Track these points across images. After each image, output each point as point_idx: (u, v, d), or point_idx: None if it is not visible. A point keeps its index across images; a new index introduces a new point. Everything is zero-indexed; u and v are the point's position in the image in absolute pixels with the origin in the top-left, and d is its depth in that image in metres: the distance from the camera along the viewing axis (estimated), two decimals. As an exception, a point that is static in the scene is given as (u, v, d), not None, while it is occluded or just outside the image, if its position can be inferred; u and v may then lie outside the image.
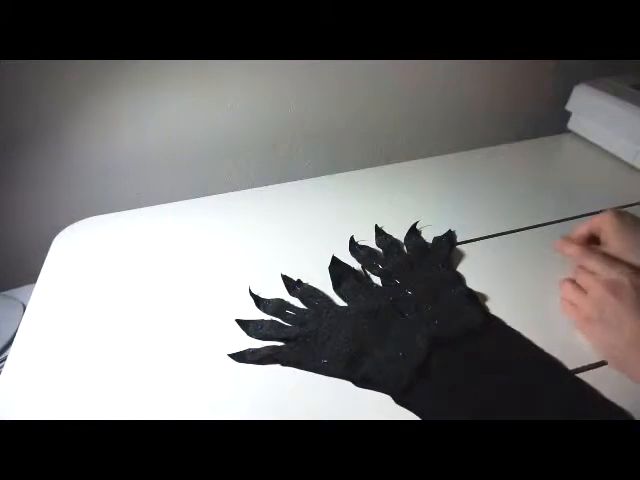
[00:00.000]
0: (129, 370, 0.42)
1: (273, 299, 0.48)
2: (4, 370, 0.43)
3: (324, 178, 0.69)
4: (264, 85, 0.73)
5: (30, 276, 0.56)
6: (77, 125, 0.69)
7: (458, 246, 0.54)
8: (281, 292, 0.49)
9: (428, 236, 0.55)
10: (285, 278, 0.50)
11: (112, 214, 0.64)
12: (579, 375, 0.38)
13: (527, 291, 0.47)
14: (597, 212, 0.57)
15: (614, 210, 0.44)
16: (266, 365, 0.42)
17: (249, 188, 0.67)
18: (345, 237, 0.56)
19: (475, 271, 0.50)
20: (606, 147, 0.70)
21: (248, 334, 0.44)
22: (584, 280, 0.41)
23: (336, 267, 0.51)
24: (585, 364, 0.39)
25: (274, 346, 0.43)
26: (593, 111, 0.71)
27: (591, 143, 0.72)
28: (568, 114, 0.75)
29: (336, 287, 0.49)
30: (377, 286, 0.49)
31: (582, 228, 0.47)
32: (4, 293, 0.72)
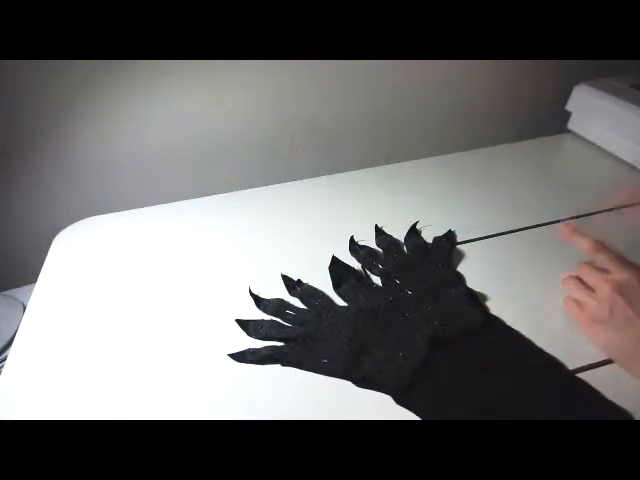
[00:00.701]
0: (129, 370, 0.42)
1: (273, 299, 0.48)
2: (4, 370, 0.43)
3: (324, 178, 0.69)
4: (264, 85, 0.73)
5: (30, 276, 0.56)
6: (77, 125, 0.69)
7: (458, 246, 0.54)
8: (281, 292, 0.49)
9: (428, 236, 0.55)
10: (285, 278, 0.50)
11: (112, 214, 0.64)
12: (579, 375, 0.38)
13: (527, 291, 0.47)
14: (597, 212, 0.58)
15: None
16: (266, 365, 0.42)
17: (249, 188, 0.67)
18: (345, 237, 0.56)
19: (475, 271, 0.50)
20: (606, 147, 0.70)
21: (248, 334, 0.44)
22: (591, 278, 0.40)
23: (336, 267, 0.51)
24: (585, 364, 0.39)
25: (274, 346, 0.43)
26: (593, 111, 0.71)
27: (591, 143, 0.72)
28: (568, 114, 0.75)
29: (336, 287, 0.49)
30: (377, 286, 0.49)
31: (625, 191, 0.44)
32: (4, 293, 0.72)
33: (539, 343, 0.41)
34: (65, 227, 0.62)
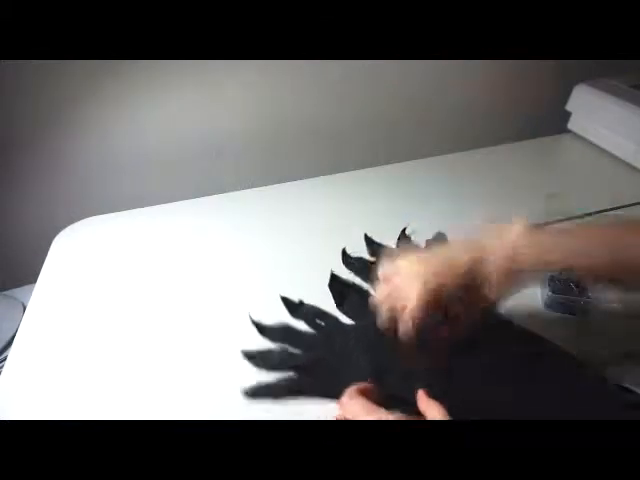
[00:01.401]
0: (128, 370, 0.42)
1: (277, 325, 0.45)
2: (4, 370, 0.43)
3: (324, 178, 0.69)
4: (264, 85, 0.73)
5: (30, 276, 0.56)
6: (77, 125, 0.69)
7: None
8: (281, 291, 0.49)
9: (420, 238, 0.55)
10: (286, 300, 0.48)
11: (112, 214, 0.64)
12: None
13: (527, 290, 0.47)
14: (597, 212, 0.58)
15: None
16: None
17: (249, 188, 0.67)
18: (345, 237, 0.56)
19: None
20: (606, 147, 0.70)
21: (256, 366, 0.41)
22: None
23: (336, 284, 0.49)
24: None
25: (288, 378, 0.40)
26: (593, 111, 0.71)
27: (591, 143, 0.72)
28: (568, 114, 0.75)
29: (339, 305, 0.47)
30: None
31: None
32: (4, 293, 0.72)
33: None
34: (65, 227, 0.62)
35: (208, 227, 0.60)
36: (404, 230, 0.56)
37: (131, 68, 0.65)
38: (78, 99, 0.67)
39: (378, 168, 0.71)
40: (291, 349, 0.43)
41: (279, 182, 0.68)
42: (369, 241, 0.55)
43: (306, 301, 0.48)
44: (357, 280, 0.50)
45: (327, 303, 0.47)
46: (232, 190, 0.67)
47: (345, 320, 0.46)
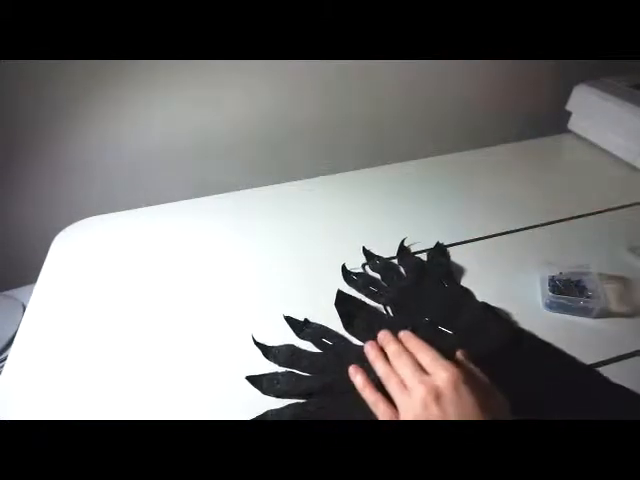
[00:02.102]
0: (128, 370, 0.42)
1: (282, 346, 0.43)
2: (4, 370, 0.43)
3: (324, 178, 0.69)
4: (264, 85, 0.73)
5: (30, 276, 0.56)
6: (77, 125, 0.69)
7: (458, 246, 0.54)
8: (280, 291, 0.49)
9: (416, 247, 0.54)
10: (290, 320, 0.45)
11: (112, 214, 0.64)
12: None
13: (528, 291, 0.47)
14: (597, 212, 0.58)
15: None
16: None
17: (249, 188, 0.67)
18: (345, 237, 0.56)
19: (475, 271, 0.50)
20: (606, 147, 0.70)
21: (263, 392, 0.39)
22: (407, 375, 0.34)
23: (343, 303, 0.46)
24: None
25: (296, 404, 0.38)
26: (593, 111, 0.71)
27: (591, 143, 0.73)
28: (568, 114, 0.75)
29: (348, 326, 0.44)
30: (390, 317, 0.45)
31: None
32: (4, 293, 0.72)
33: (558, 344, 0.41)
34: (65, 227, 0.62)
35: (208, 227, 0.60)
36: (402, 243, 0.54)
37: (131, 68, 0.65)
38: (78, 99, 0.67)
39: (377, 168, 0.71)
40: (299, 373, 0.40)
41: (279, 182, 0.68)
42: (368, 255, 0.53)
43: (306, 300, 0.48)
44: (362, 297, 0.48)
45: (327, 302, 0.47)
46: (232, 190, 0.67)
47: (354, 339, 0.43)
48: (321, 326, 0.44)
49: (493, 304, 0.45)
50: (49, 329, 0.47)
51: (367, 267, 0.52)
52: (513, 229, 0.56)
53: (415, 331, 0.40)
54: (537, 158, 0.73)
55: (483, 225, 0.57)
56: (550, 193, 0.63)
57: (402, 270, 0.51)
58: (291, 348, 0.42)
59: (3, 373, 0.43)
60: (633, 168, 0.66)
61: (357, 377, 0.37)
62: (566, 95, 0.75)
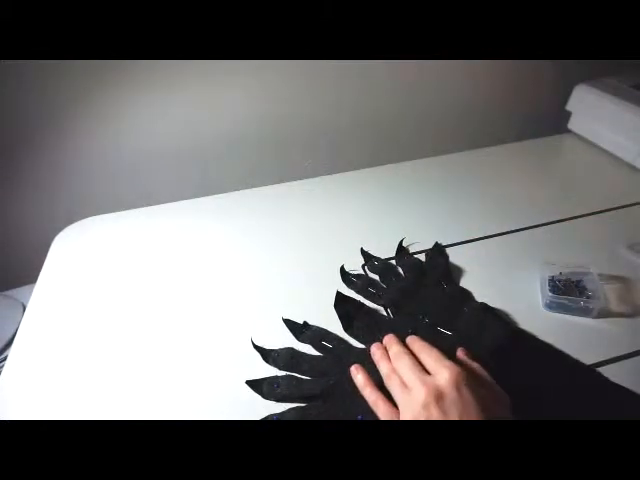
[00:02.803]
0: (128, 370, 0.42)
1: (282, 350, 0.42)
2: (4, 370, 0.43)
3: (324, 178, 0.69)
4: (264, 85, 0.73)
5: (30, 276, 0.56)
6: (77, 125, 0.69)
7: (458, 246, 0.54)
8: (280, 292, 0.49)
9: (415, 247, 0.54)
10: (289, 322, 0.45)
11: (112, 214, 0.64)
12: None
13: (527, 291, 0.47)
14: (597, 212, 0.58)
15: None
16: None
17: (249, 188, 0.67)
18: (344, 237, 0.56)
19: (475, 271, 0.50)
20: (606, 147, 0.70)
21: (264, 397, 0.38)
22: (408, 376, 0.34)
23: (343, 305, 0.46)
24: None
25: (298, 407, 0.37)
26: (593, 111, 0.71)
27: (591, 143, 0.73)
28: (568, 114, 0.75)
29: (347, 328, 0.44)
30: (390, 318, 0.45)
31: None
32: (4, 293, 0.72)
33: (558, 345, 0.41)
34: (65, 227, 0.62)
35: (208, 227, 0.60)
36: (401, 243, 0.54)
37: (131, 68, 0.65)
38: (78, 99, 0.67)
39: (377, 168, 0.71)
40: (300, 376, 0.40)
41: (279, 182, 0.68)
42: (366, 255, 0.53)
43: (306, 300, 0.48)
44: (362, 299, 0.48)
45: (327, 302, 0.47)
46: (232, 190, 0.67)
47: (354, 341, 0.43)
48: (320, 329, 0.44)
49: (493, 304, 0.45)
50: (49, 329, 0.47)
51: (366, 268, 0.52)
52: (513, 229, 0.56)
53: (415, 333, 0.40)
54: (537, 158, 0.73)
55: (483, 225, 0.57)
56: (550, 193, 0.63)
57: (400, 271, 0.51)
58: (290, 351, 0.42)
59: (3, 373, 0.43)
60: (633, 168, 0.66)
61: (358, 376, 0.37)
62: (566, 95, 0.75)
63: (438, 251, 0.53)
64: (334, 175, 0.70)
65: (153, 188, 0.78)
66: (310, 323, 0.45)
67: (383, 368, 0.36)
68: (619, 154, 0.68)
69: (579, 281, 0.46)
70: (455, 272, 0.50)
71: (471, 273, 0.50)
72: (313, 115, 0.79)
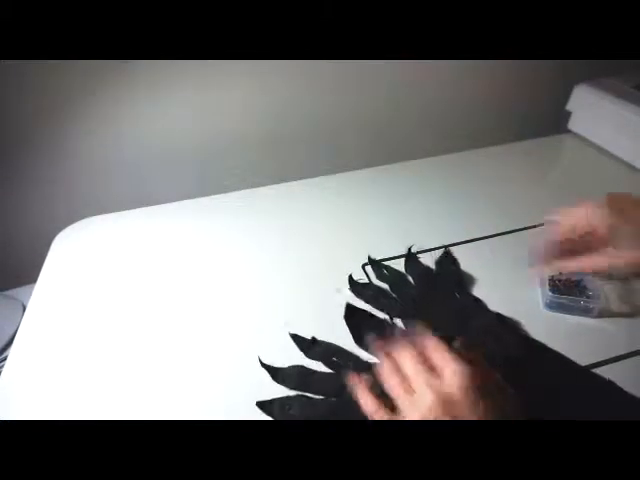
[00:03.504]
0: (128, 370, 0.42)
1: (291, 368, 0.41)
2: (4, 370, 0.43)
3: (324, 178, 0.69)
4: (264, 85, 0.73)
5: (30, 276, 0.56)
6: (77, 125, 0.69)
7: (458, 246, 0.54)
8: (280, 292, 0.49)
9: (415, 247, 0.54)
10: (296, 338, 0.43)
11: (112, 214, 0.64)
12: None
13: (527, 291, 0.47)
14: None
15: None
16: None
17: (249, 188, 0.67)
18: (345, 237, 0.56)
19: (475, 271, 0.50)
20: (606, 147, 0.70)
21: (275, 418, 0.37)
22: (415, 379, 0.32)
23: (353, 317, 0.45)
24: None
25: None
26: (593, 111, 0.71)
27: (591, 143, 0.72)
28: (568, 114, 0.75)
29: (358, 340, 0.43)
30: (401, 330, 0.44)
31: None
32: (4, 293, 0.72)
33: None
34: (65, 227, 0.62)
35: (208, 227, 0.60)
36: (410, 250, 0.53)
37: (131, 68, 0.65)
38: (78, 99, 0.67)
39: (378, 168, 0.71)
40: (311, 396, 0.39)
41: (279, 182, 0.68)
42: (373, 263, 0.52)
43: (306, 300, 0.48)
44: (373, 310, 0.46)
45: (327, 301, 0.47)
46: (232, 190, 0.67)
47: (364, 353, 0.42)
48: (330, 344, 0.43)
49: (493, 304, 0.45)
50: (49, 329, 0.47)
51: (367, 268, 0.52)
52: (513, 229, 0.56)
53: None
54: (537, 158, 0.73)
55: (483, 225, 0.57)
56: (550, 193, 0.63)
57: (410, 279, 0.50)
58: (300, 370, 0.40)
59: (3, 373, 0.43)
60: (633, 168, 0.66)
61: (357, 384, 0.36)
62: (566, 95, 0.75)
63: (450, 259, 0.52)
64: (334, 175, 0.70)
65: (153, 188, 0.78)
66: (319, 339, 0.43)
67: (392, 379, 0.35)
68: (619, 154, 0.68)
69: (579, 281, 0.46)
70: (467, 280, 0.50)
71: (471, 273, 0.50)
72: (313, 115, 0.79)
